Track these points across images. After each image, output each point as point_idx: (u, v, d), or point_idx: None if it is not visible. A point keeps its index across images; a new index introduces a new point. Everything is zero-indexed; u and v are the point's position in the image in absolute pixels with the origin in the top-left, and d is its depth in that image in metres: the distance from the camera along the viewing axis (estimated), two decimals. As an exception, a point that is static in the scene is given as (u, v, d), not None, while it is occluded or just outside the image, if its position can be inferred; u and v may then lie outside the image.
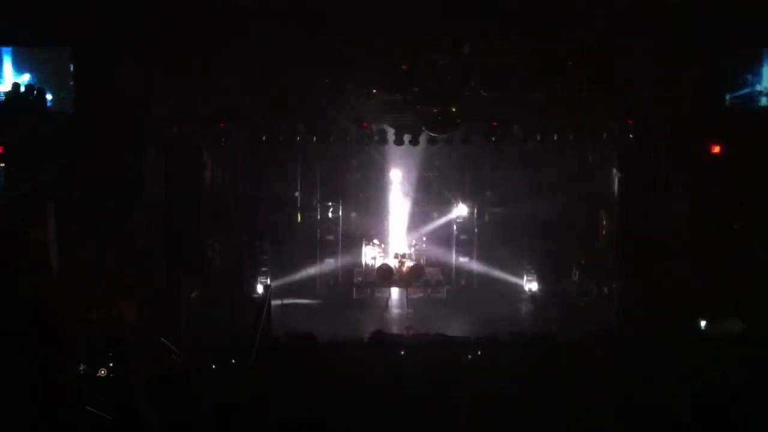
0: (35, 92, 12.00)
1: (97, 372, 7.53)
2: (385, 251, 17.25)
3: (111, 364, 7.62)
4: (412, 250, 17.21)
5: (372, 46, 12.28)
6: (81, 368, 7.28)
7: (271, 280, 16.84)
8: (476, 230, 17.91)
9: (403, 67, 13.07)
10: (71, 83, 12.58)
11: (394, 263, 16.51)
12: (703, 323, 11.93)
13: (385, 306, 16.42)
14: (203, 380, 7.91)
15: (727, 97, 13.01)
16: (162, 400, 7.19)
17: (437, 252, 17.59)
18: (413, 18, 11.28)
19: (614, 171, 15.20)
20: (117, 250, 11.92)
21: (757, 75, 12.90)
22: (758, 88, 12.94)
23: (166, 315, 12.51)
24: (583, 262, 16.58)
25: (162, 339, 8.83)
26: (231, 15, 11.23)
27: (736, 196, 12.55)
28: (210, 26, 11.37)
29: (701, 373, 6.23)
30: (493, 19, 11.35)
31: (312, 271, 17.47)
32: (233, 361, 9.66)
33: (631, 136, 14.07)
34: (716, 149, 13.06)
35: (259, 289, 16.68)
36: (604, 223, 16.52)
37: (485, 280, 17.45)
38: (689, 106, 12.85)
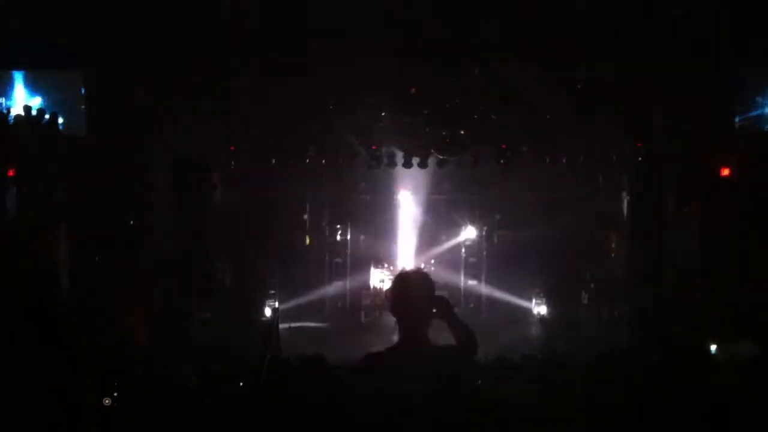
0: (47, 115, 12.09)
1: (102, 401, 7.47)
2: (393, 274, 17.22)
3: (116, 394, 7.54)
4: (421, 273, 17.13)
5: (381, 69, 12.33)
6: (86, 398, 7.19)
7: (279, 303, 16.82)
8: (485, 253, 17.88)
9: (413, 90, 13.12)
10: (82, 107, 12.65)
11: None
12: (713, 346, 11.84)
13: (394, 329, 16.35)
14: (212, 401, 7.89)
15: (737, 119, 13.00)
16: (170, 422, 7.17)
17: (446, 275, 17.55)
18: (423, 40, 11.32)
19: (623, 193, 15.18)
20: (127, 270, 11.93)
21: (766, 97, 12.89)
22: (767, 110, 12.93)
23: (176, 336, 12.51)
24: (592, 285, 16.52)
25: (170, 362, 8.82)
26: (242, 38, 11.29)
27: (747, 218, 12.49)
28: (221, 49, 11.42)
29: (711, 395, 6.19)
30: (503, 40, 11.38)
31: (320, 293, 17.46)
32: (241, 383, 9.63)
33: (640, 158, 14.06)
34: (726, 171, 13.03)
35: (267, 311, 16.66)
36: (614, 245, 16.48)
37: (494, 304, 17.40)
38: (699, 128, 12.84)
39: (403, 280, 4.58)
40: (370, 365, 4.40)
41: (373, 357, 4.48)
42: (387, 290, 16.53)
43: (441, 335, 4.39)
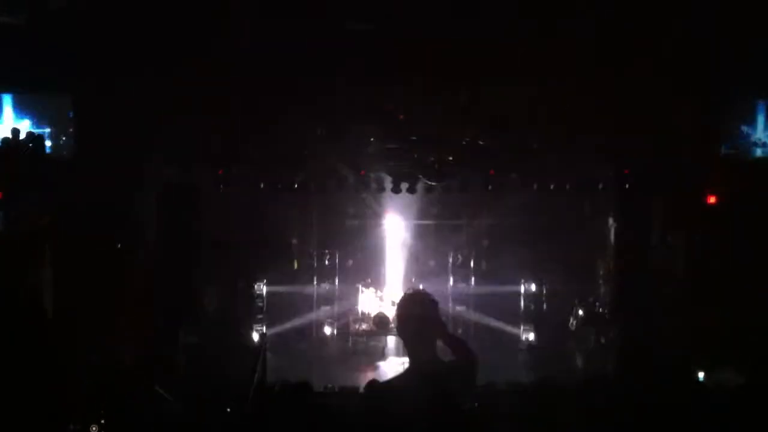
0: (35, 138, 12.07)
1: (89, 428, 7.39)
2: (382, 299, 17.19)
3: (102, 421, 7.47)
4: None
5: (369, 95, 12.39)
6: (71, 428, 7.11)
7: (266, 328, 16.73)
8: (472, 279, 17.86)
9: (400, 116, 13.18)
10: (71, 130, 12.64)
11: (390, 312, 16.45)
12: (701, 374, 11.86)
13: (381, 355, 16.31)
14: (197, 427, 7.84)
15: (723, 147, 13.12)
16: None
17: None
18: (411, 66, 11.39)
19: (610, 221, 15.25)
20: (113, 294, 11.88)
21: (752, 126, 13.02)
22: (753, 138, 13.05)
23: (162, 361, 12.42)
24: (580, 312, 16.54)
25: (157, 387, 8.76)
26: (232, 64, 11.34)
27: (733, 245, 12.56)
28: (210, 73, 11.46)
29: (697, 421, 6.19)
30: (491, 66, 11.47)
31: (308, 319, 17.39)
32: (228, 409, 9.57)
33: (627, 186, 14.14)
34: (712, 199, 13.12)
35: (255, 336, 16.57)
36: (601, 272, 16.53)
37: (482, 330, 17.35)
38: (685, 156, 12.94)
39: (409, 301, 4.58)
40: (381, 394, 4.39)
41: (383, 386, 4.47)
42: (375, 316, 16.51)
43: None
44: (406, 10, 10.53)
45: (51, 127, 12.69)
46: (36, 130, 12.40)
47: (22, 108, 12.68)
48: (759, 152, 13.09)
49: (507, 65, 11.44)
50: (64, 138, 12.66)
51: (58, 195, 11.29)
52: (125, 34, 10.68)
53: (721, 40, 11.05)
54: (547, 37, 10.93)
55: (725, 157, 13.10)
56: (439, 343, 4.41)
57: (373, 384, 6.63)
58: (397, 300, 4.77)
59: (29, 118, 12.66)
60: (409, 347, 4.43)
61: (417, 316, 4.38)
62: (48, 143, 12.33)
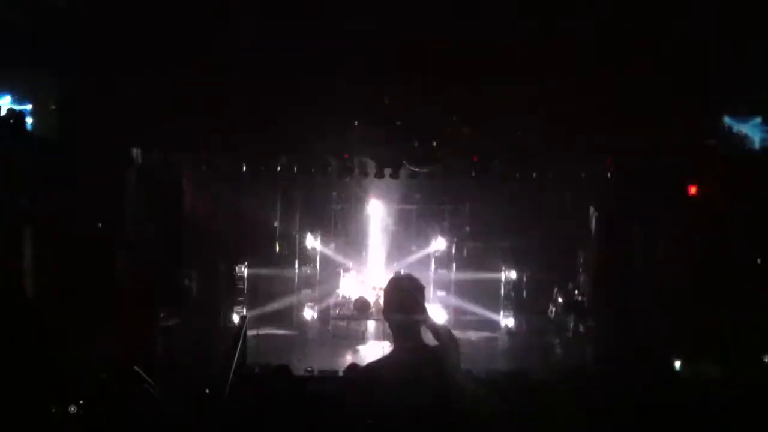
0: (16, 116, 11.91)
1: (68, 409, 7.35)
2: (363, 284, 17.21)
3: (81, 402, 7.43)
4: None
5: (354, 80, 12.33)
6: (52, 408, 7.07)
7: (247, 310, 16.70)
8: (454, 264, 17.91)
9: (385, 102, 13.14)
10: (53, 107, 12.48)
11: (371, 296, 16.48)
12: (678, 363, 11.96)
13: (362, 339, 16.35)
14: (176, 410, 7.83)
15: (712, 142, 13.16)
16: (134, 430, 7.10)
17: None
18: (397, 56, 11.36)
19: (592, 210, 15.31)
20: (94, 277, 11.81)
21: (739, 119, 13.06)
22: (737, 131, 13.09)
23: (142, 343, 12.37)
24: (560, 299, 16.64)
25: (135, 368, 8.72)
26: (219, 51, 11.28)
27: (716, 237, 12.65)
28: (193, 61, 11.39)
29: (676, 414, 6.25)
30: (477, 63, 11.46)
31: (289, 302, 17.39)
32: (207, 391, 9.56)
33: (609, 175, 14.20)
34: (695, 190, 13.19)
35: (235, 318, 16.54)
36: (582, 261, 16.63)
37: (462, 315, 17.40)
38: (670, 147, 12.97)
39: (396, 285, 4.58)
40: (367, 376, 4.39)
41: (368, 369, 4.46)
42: (356, 300, 16.53)
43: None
44: (405, 11, 10.51)
45: (33, 104, 12.51)
46: (17, 107, 12.24)
47: (2, 83, 12.49)
48: (746, 145, 13.11)
49: (501, 65, 11.43)
50: (46, 116, 12.46)
51: (38, 175, 11.19)
52: (116, 35, 10.62)
53: (708, 35, 11.06)
54: (545, 37, 10.93)
55: (710, 149, 13.13)
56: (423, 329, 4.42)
57: (354, 368, 6.64)
58: (382, 284, 4.78)
59: (10, 95, 12.48)
60: (393, 331, 4.43)
61: (403, 300, 4.39)
62: (29, 120, 12.16)
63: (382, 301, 4.64)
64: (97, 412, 7.01)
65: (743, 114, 13.04)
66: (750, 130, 13.04)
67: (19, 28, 10.91)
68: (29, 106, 12.43)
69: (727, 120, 13.11)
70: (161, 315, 13.82)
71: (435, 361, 4.24)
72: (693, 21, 10.75)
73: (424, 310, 4.38)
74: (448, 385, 4.18)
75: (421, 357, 4.24)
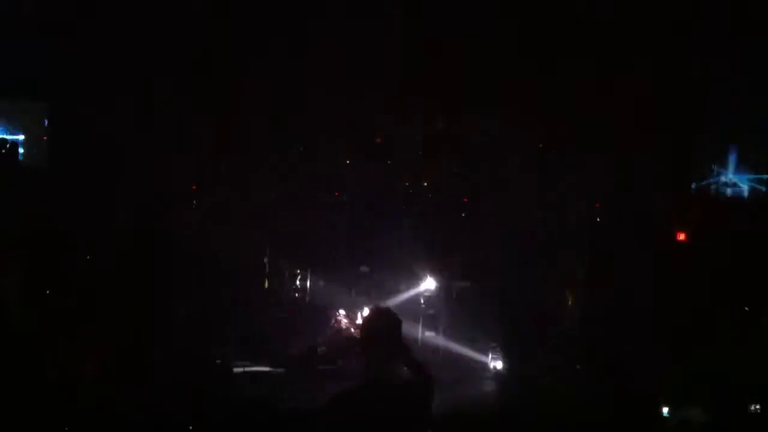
0: (7, 145, 11.93)
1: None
2: (351, 322, 17.10)
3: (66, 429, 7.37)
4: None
5: (348, 117, 12.42)
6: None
7: (235, 346, 16.53)
8: (443, 305, 17.82)
9: (378, 140, 13.21)
10: (44, 138, 12.49)
11: (356, 333, 16.39)
12: (666, 409, 11.89)
13: (349, 377, 16.21)
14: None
15: (693, 185, 13.24)
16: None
17: (403, 326, 17.32)
18: (390, 92, 11.44)
19: (579, 252, 15.30)
20: (83, 305, 11.74)
21: (724, 166, 13.16)
22: (723, 179, 13.18)
23: (131, 376, 12.26)
24: (548, 341, 16.55)
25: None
26: (207, 79, 11.34)
27: (702, 282, 12.66)
28: (184, 89, 11.45)
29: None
30: (469, 96, 11.55)
31: (277, 338, 17.24)
32: (191, 427, 9.46)
33: (598, 219, 14.23)
34: (682, 236, 13.22)
35: (224, 354, 16.37)
36: (570, 303, 16.58)
37: (450, 357, 17.28)
38: (658, 193, 13.04)
39: (373, 318, 4.54)
40: (341, 407, 4.33)
41: (342, 398, 4.40)
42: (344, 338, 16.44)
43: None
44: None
45: (25, 134, 12.52)
46: (9, 137, 12.25)
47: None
48: (729, 192, 13.21)
49: (490, 97, 11.54)
50: (37, 145, 12.47)
51: (28, 201, 11.17)
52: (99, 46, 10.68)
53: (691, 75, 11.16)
54: (530, 75, 11.05)
55: (696, 195, 13.21)
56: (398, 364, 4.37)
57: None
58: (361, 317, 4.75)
59: (1, 125, 12.49)
60: (368, 364, 4.37)
61: (381, 333, 4.34)
62: (20, 150, 12.17)
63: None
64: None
65: (732, 163, 13.15)
66: (738, 178, 13.15)
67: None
68: (21, 137, 12.46)
69: (715, 168, 13.21)
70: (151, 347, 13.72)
71: (404, 399, 4.17)
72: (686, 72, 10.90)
73: (399, 344, 4.33)
74: (416, 425, 4.12)
75: (390, 393, 4.18)
